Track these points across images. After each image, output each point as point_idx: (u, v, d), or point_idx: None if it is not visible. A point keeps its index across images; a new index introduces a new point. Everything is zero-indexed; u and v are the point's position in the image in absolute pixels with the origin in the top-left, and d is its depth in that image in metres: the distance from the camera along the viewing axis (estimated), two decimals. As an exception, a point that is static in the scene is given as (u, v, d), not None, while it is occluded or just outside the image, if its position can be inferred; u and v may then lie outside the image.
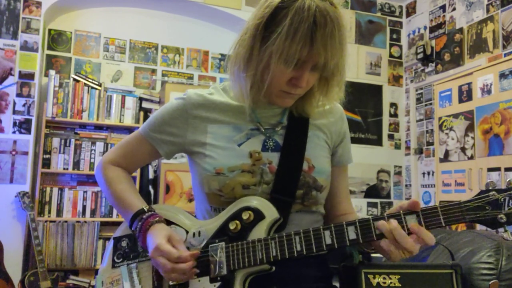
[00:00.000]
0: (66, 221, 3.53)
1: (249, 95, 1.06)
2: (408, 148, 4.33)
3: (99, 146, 3.71)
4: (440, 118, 3.89)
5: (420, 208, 0.93)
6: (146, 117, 3.88)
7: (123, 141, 1.23)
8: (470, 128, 3.57)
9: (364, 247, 1.03)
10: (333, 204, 1.20)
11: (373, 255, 1.18)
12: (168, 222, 1.10)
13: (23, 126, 3.47)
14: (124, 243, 1.18)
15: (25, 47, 3.51)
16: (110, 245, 1.20)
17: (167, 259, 0.98)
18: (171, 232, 1.05)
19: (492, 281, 1.31)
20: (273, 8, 0.99)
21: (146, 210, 1.09)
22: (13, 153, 3.42)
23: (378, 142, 4.31)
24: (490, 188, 0.91)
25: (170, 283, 1.06)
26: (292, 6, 0.96)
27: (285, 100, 1.08)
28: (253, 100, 1.08)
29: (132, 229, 1.10)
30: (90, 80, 3.74)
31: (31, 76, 3.51)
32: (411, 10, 4.43)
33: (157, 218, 1.07)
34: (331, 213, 1.21)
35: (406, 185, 4.33)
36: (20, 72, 3.48)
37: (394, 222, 0.92)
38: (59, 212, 3.60)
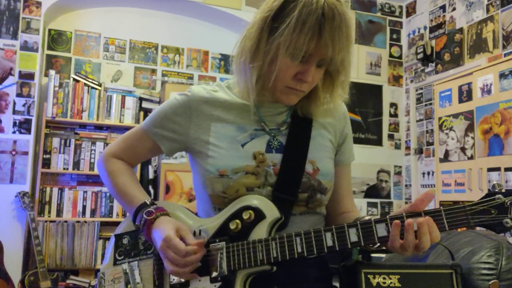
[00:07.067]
0: (66, 221, 3.53)
1: (254, 89, 1.05)
2: (408, 148, 4.33)
3: (99, 146, 3.71)
4: (440, 118, 3.89)
5: (423, 209, 0.91)
6: (146, 117, 3.88)
7: (125, 134, 1.22)
8: (470, 128, 3.57)
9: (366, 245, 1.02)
10: (334, 203, 1.19)
11: (373, 255, 1.18)
12: None
13: (23, 126, 3.47)
14: (125, 241, 1.18)
15: (25, 47, 3.51)
16: (111, 242, 1.20)
17: (175, 253, 0.98)
18: (178, 223, 1.04)
19: (492, 281, 1.31)
20: (281, 1, 1.00)
21: (149, 203, 1.09)
22: (13, 153, 3.42)
23: (378, 142, 4.31)
24: (497, 190, 0.89)
25: (171, 281, 1.06)
26: None
27: (290, 97, 1.07)
28: (258, 95, 1.07)
29: (136, 223, 1.09)
30: (90, 80, 3.74)
31: (31, 76, 3.51)
32: (411, 10, 4.43)
33: (162, 212, 1.07)
34: (333, 212, 1.19)
35: (406, 185, 4.33)
36: (20, 72, 3.48)
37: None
38: (59, 212, 3.60)
